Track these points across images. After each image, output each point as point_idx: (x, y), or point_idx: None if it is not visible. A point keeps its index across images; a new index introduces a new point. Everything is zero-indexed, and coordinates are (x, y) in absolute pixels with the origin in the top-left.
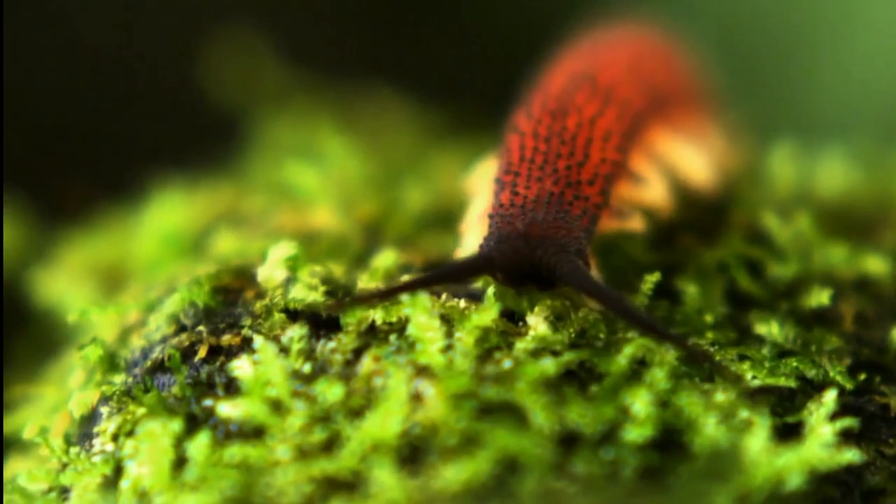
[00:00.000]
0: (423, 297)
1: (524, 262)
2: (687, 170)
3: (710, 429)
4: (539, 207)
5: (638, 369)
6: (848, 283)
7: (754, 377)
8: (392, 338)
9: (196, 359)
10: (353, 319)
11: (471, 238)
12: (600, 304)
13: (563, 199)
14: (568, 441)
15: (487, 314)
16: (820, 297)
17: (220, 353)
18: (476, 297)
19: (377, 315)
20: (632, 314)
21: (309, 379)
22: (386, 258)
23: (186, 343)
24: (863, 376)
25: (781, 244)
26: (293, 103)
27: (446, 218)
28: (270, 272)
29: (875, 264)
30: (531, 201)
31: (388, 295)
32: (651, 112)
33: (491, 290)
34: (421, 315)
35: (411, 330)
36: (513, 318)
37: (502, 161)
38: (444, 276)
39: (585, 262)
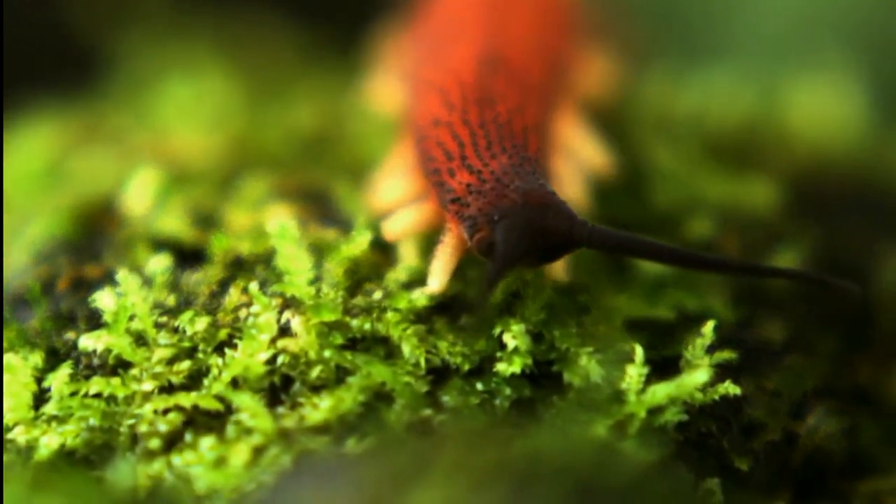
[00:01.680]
0: (291, 227)
1: (535, 232)
2: (587, 155)
3: (584, 361)
4: (515, 178)
5: (512, 302)
6: (731, 212)
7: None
8: (259, 269)
9: (57, 291)
10: (218, 250)
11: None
12: (637, 256)
13: (526, 169)
14: (440, 372)
15: (357, 245)
16: (702, 227)
17: (81, 286)
18: (346, 227)
19: (244, 246)
20: (676, 255)
21: (174, 311)
22: (255, 186)
23: (46, 275)
24: (744, 309)
25: (664, 171)
26: (168, 24)
27: (321, 139)
28: (133, 200)
29: (759, 192)
30: (501, 173)
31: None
32: (560, 83)
33: (361, 219)
34: (288, 246)
35: (279, 261)
36: (385, 250)
37: (433, 152)
38: (503, 270)
39: None
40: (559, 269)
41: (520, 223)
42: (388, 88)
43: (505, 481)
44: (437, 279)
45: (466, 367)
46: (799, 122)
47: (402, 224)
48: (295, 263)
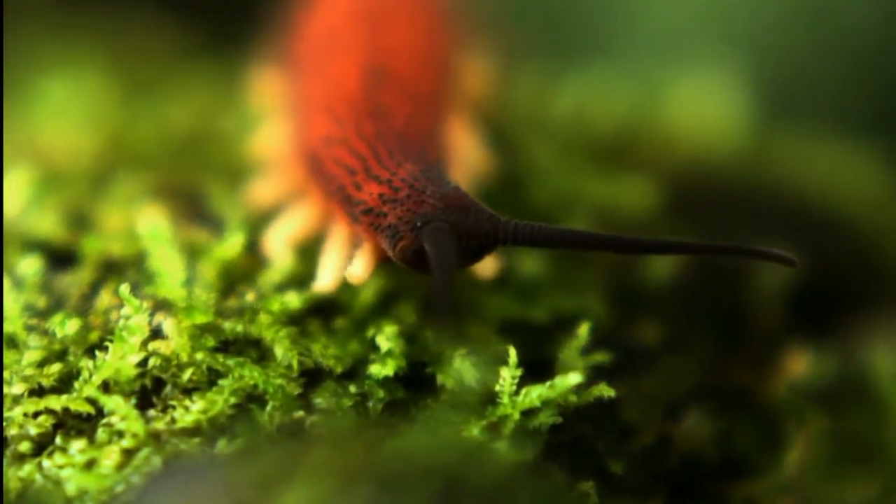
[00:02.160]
0: (163, 228)
1: (463, 233)
2: (469, 157)
3: (457, 363)
4: (428, 183)
5: (386, 303)
6: (610, 212)
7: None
8: (130, 271)
9: None
10: (90, 252)
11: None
12: (565, 247)
13: (434, 174)
14: (313, 374)
15: (231, 246)
16: (579, 226)
17: None
18: (220, 227)
19: (115, 247)
20: (601, 241)
21: (45, 313)
22: (128, 185)
23: None
24: (620, 310)
25: (542, 170)
26: (47, 22)
27: (197, 138)
28: (5, 201)
29: (637, 192)
30: (413, 180)
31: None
32: (446, 87)
33: (235, 220)
34: (160, 247)
35: (151, 263)
36: (258, 251)
37: (332, 171)
38: (446, 276)
39: None
40: (488, 268)
41: (445, 227)
42: (270, 81)
43: (372, 481)
44: (328, 277)
45: (339, 369)
46: (680, 121)
47: (283, 237)
48: (167, 265)
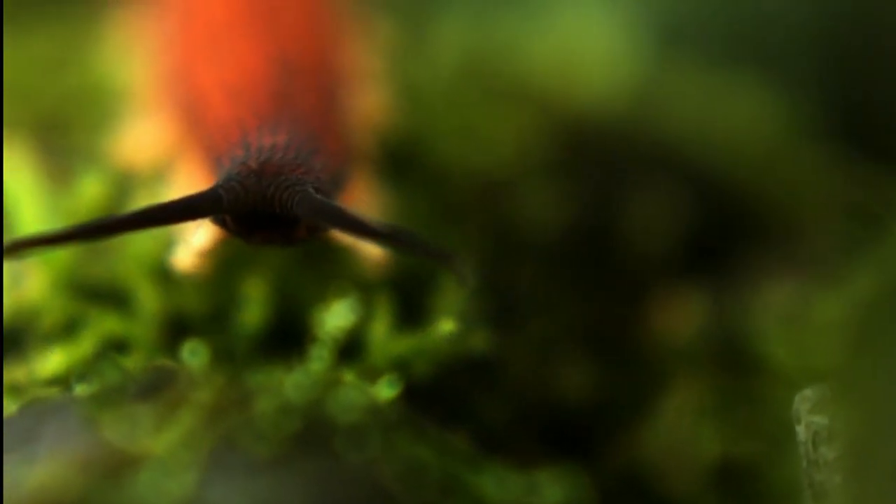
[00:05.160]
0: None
1: (255, 199)
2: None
3: (329, 308)
4: (276, 151)
5: (253, 252)
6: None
7: None
8: None
9: None
10: None
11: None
12: (342, 229)
13: (303, 147)
14: (178, 324)
15: (92, 187)
16: None
17: None
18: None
19: None
20: (380, 235)
21: None
22: None
23: None
24: (496, 258)
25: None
26: None
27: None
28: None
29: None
30: (267, 148)
31: (69, 238)
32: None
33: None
34: (20, 188)
35: (9, 203)
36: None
37: (224, 143)
38: (160, 214)
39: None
40: (375, 254)
41: (236, 187)
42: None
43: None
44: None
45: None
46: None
47: (192, 252)
48: (26, 206)
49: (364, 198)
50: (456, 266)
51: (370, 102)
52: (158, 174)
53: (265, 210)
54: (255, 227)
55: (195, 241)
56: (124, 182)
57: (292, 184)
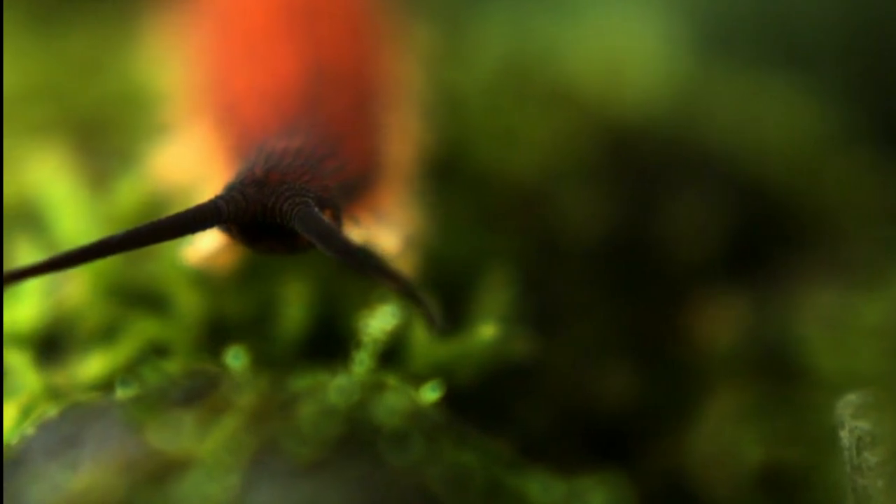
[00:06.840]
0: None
1: (256, 209)
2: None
3: (373, 314)
4: (286, 157)
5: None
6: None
7: None
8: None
9: None
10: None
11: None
12: (332, 253)
13: (316, 150)
14: (219, 329)
15: (130, 194)
16: None
17: None
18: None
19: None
20: (369, 267)
21: None
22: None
23: None
24: (539, 266)
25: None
26: None
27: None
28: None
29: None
30: (278, 152)
31: (68, 262)
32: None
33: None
34: (59, 192)
35: (49, 208)
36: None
37: (248, 146)
38: (160, 230)
39: (338, 221)
40: (392, 242)
41: (237, 197)
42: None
43: (278, 418)
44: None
45: (246, 320)
46: (588, 70)
47: (207, 250)
48: (65, 210)
49: (393, 207)
50: (427, 311)
51: (408, 111)
52: (196, 182)
53: (266, 220)
54: (258, 235)
55: (203, 245)
56: (162, 190)
57: (294, 193)
